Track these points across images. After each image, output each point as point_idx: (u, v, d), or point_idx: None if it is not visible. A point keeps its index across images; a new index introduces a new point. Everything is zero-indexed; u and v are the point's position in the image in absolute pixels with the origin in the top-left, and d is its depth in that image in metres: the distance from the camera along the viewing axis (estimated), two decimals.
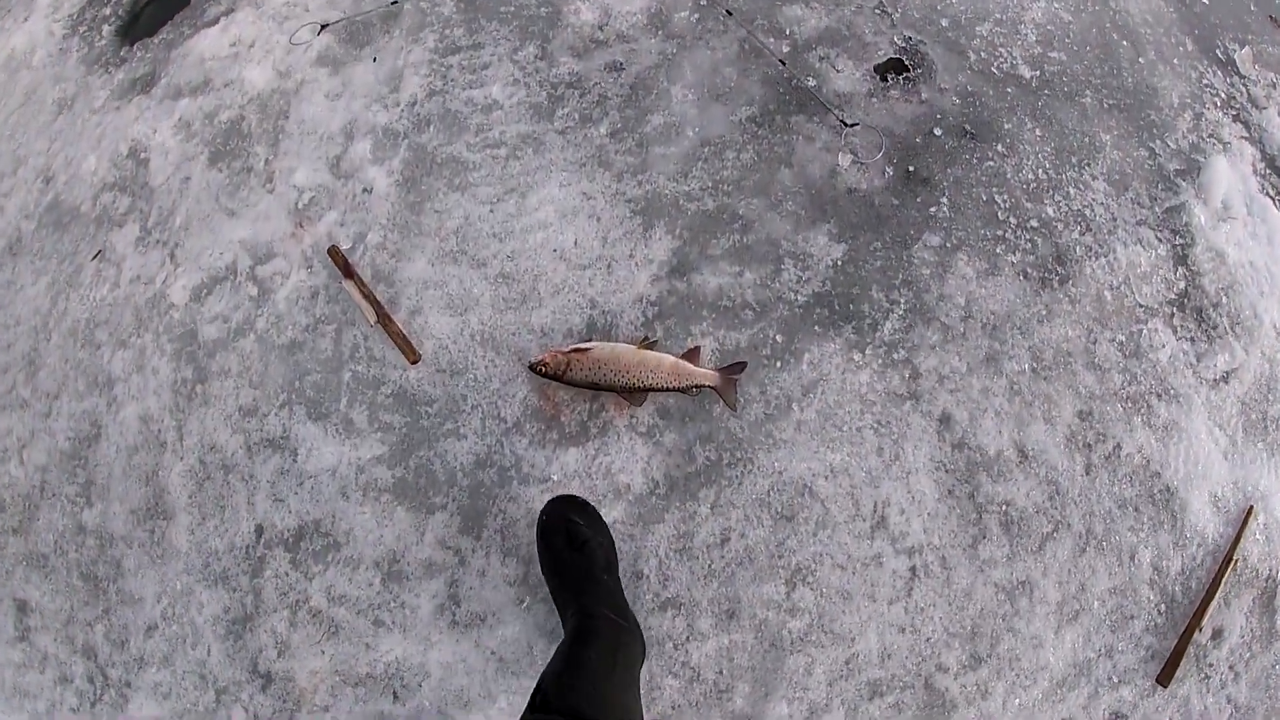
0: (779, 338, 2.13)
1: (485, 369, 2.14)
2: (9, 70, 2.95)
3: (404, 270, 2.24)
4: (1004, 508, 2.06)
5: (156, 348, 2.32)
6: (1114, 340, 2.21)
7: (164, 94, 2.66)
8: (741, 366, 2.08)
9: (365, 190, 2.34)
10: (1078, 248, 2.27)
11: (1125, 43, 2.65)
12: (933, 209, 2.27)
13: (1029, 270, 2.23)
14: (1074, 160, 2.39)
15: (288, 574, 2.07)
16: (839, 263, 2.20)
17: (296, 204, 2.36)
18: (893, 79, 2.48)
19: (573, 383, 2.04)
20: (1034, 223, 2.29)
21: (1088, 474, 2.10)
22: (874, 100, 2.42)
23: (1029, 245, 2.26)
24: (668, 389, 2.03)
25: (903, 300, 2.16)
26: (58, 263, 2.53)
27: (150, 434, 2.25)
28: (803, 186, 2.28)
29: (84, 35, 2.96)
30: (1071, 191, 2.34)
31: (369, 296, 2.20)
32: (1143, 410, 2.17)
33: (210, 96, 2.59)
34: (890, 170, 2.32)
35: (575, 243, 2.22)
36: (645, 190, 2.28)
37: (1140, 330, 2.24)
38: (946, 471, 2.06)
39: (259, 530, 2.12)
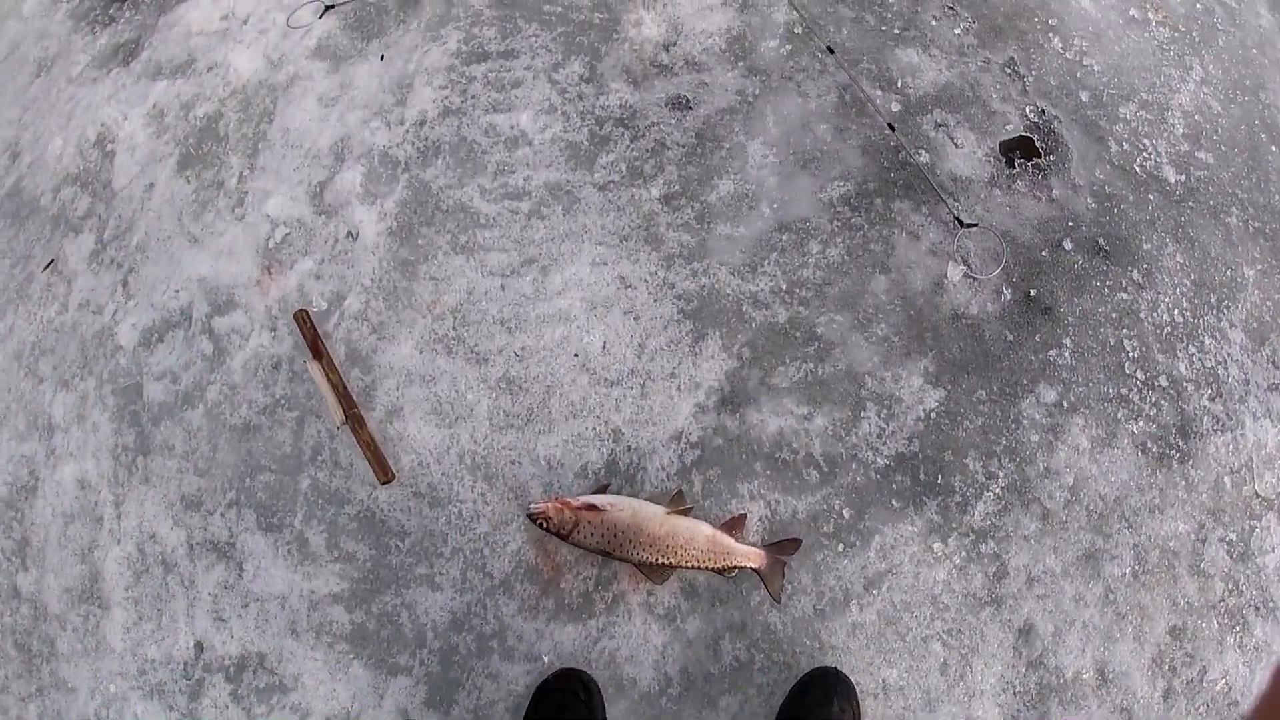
0: (846, 511, 1.07)
1: (473, 504, 1.09)
2: None
3: (385, 354, 1.14)
4: None
5: (99, 398, 1.24)
6: (1224, 539, 1.16)
7: (143, 70, 1.42)
8: (794, 546, 1.04)
9: (350, 235, 1.19)
10: (1205, 418, 1.18)
11: (1274, 148, 1.40)
12: (1052, 353, 1.15)
13: (1149, 444, 1.15)
14: (1213, 300, 1.24)
15: (229, 707, 1.12)
16: (932, 415, 1.11)
17: (267, 241, 1.21)
18: (1020, 165, 1.27)
19: (580, 545, 1.00)
20: (1163, 380, 1.18)
21: (1165, 701, 1.12)
22: (996, 191, 1.23)
23: (1154, 411, 1.16)
24: (699, 569, 1.00)
25: (1002, 475, 1.09)
26: (10, 264, 1.40)
27: (87, 503, 1.22)
28: (900, 302, 1.15)
29: None
30: (1207, 341, 1.21)
31: (338, 389, 1.11)
32: (1238, 627, 1.15)
33: (190, 81, 1.37)
34: (1008, 292, 1.17)
35: (604, 347, 1.11)
36: (701, 285, 1.14)
37: (1253, 528, 1.18)
38: (1015, 695, 1.08)
39: (199, 648, 1.14)
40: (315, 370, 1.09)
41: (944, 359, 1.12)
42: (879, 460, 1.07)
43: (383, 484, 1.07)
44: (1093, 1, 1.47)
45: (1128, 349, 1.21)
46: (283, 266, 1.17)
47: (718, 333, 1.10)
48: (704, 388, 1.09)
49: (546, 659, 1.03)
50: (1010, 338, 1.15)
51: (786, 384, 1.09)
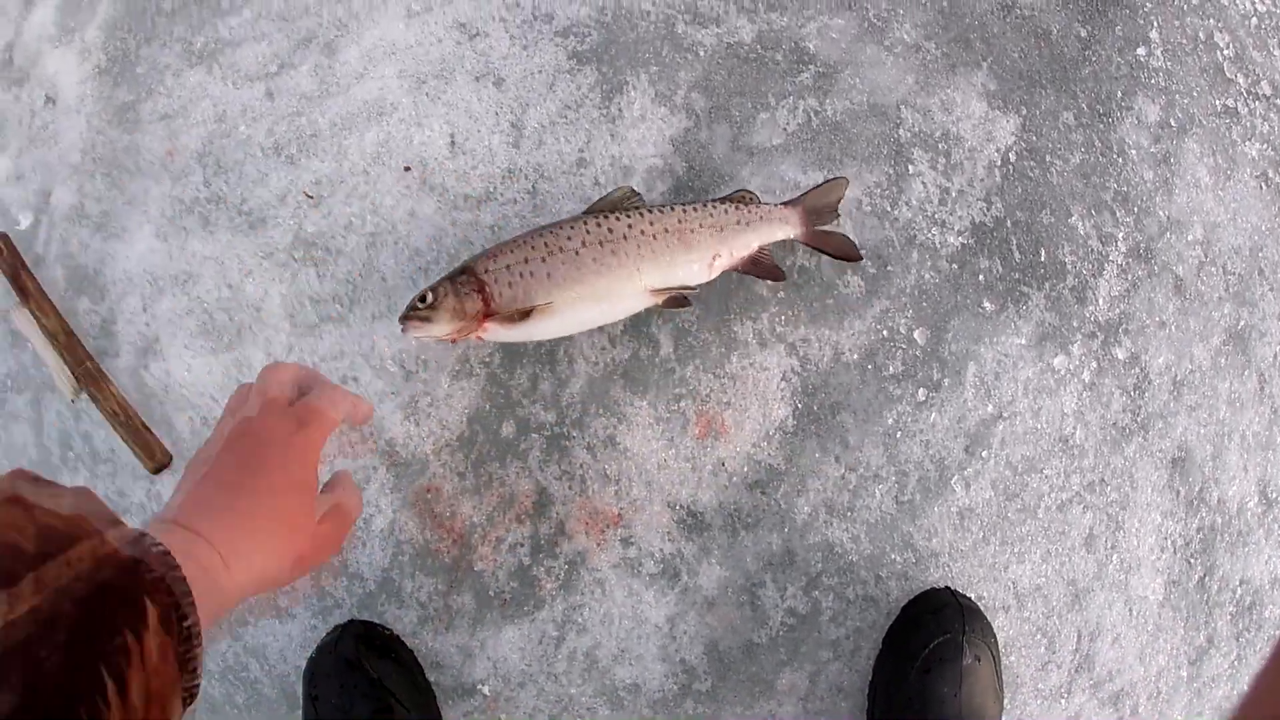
0: (918, 333, 0.62)
1: None
2: None
3: (117, 258, 0.55)
4: (1237, 590, 0.75)
5: None
6: None
7: None
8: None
9: (47, 100, 0.57)
10: None
11: None
12: (1140, 51, 0.73)
13: (1269, 172, 0.79)
14: None
15: None
16: (1011, 157, 0.66)
17: None
18: None
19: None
20: (1265, 88, 0.81)
21: None
22: None
23: (1265, 127, 0.79)
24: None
25: (1121, 234, 0.68)
26: None
27: None
28: None
29: None
30: None
31: (59, 337, 0.51)
32: None
33: None
34: None
35: (453, 143, 0.57)
36: (598, 4, 0.61)
37: None
38: (1176, 552, 0.71)
39: None
40: (22, 320, 0.51)
41: (1005, 69, 0.67)
42: (950, 239, 0.62)
43: (154, 471, 0.51)
44: None
45: (1220, 44, 0.82)
46: None
47: (644, 76, 0.59)
48: (640, 170, 0.58)
49: (486, 689, 0.53)
50: (1084, 33, 0.72)
51: (779, 139, 0.60)
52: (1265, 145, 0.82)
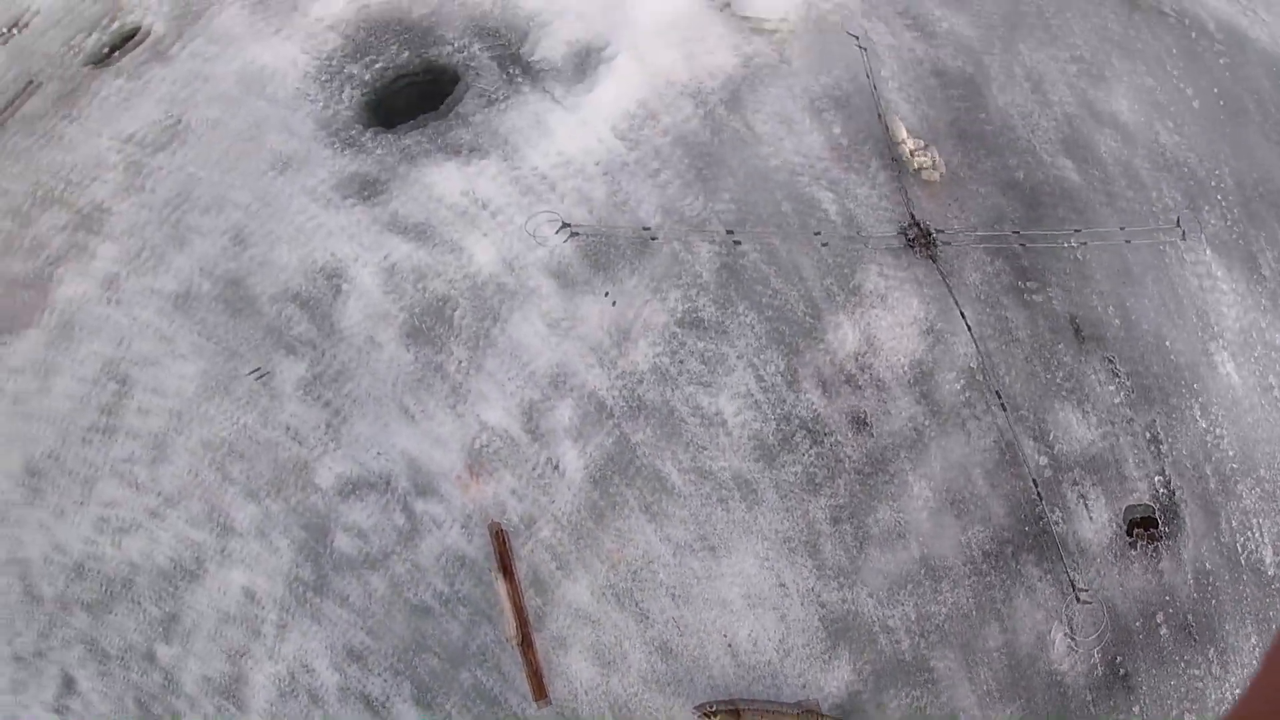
0: None
1: None
2: (243, 85, 1.86)
3: (564, 588, 1.35)
4: None
5: (284, 524, 1.45)
6: None
7: (382, 220, 1.60)
8: None
9: (553, 466, 1.40)
10: None
11: None
12: (1120, 718, 1.32)
13: None
14: None
15: None
16: None
17: (474, 442, 1.41)
18: (1139, 536, 1.44)
19: None
20: None
21: None
22: (1112, 559, 1.42)
23: None
24: None
25: None
26: (215, 352, 1.59)
27: (249, 614, 1.45)
28: (1006, 653, 1.35)
29: (326, 85, 1.90)
30: None
31: (518, 608, 1.28)
32: None
33: (427, 251, 1.61)
34: (1098, 659, 1.35)
35: (750, 637, 1.29)
36: (845, 602, 1.33)
37: None
38: None
39: None
40: (502, 586, 1.26)
41: (1029, 711, 1.28)
42: None
43: (536, 702, 1.22)
44: (1236, 368, 1.61)
45: None
46: (485, 473, 1.35)
47: (848, 649, 1.26)
48: (830, 698, 1.24)
49: None
50: (1090, 699, 1.31)
51: (897, 712, 1.24)
52: None
